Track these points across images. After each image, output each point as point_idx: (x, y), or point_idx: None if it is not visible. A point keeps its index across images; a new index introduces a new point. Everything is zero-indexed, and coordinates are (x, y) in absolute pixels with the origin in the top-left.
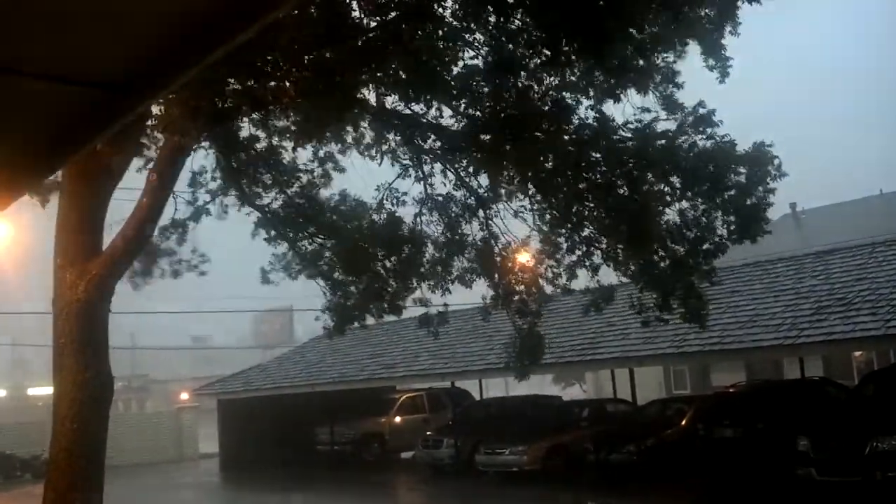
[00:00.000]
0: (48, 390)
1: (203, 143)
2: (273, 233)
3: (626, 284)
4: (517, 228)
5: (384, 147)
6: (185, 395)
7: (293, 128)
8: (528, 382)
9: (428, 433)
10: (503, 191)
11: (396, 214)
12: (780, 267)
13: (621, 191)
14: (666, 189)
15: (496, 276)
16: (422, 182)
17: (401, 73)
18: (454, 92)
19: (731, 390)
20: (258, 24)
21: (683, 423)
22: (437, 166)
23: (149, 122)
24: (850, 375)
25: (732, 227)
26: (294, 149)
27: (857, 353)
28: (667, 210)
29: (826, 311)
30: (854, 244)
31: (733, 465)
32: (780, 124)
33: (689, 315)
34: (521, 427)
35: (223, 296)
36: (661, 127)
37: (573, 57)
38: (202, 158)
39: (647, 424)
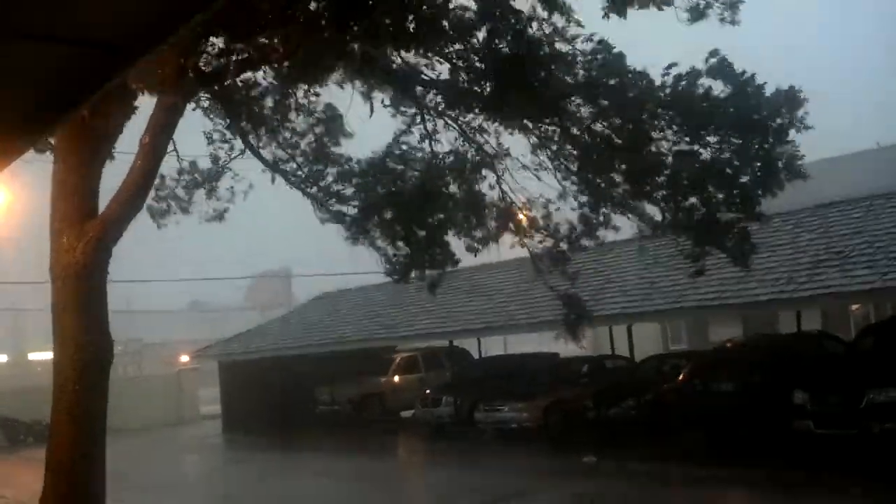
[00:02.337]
0: (48, 355)
1: (203, 103)
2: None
3: (624, 241)
4: (529, 183)
5: (384, 102)
6: (185, 358)
7: (283, 82)
8: (527, 341)
9: (427, 392)
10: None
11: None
12: (777, 221)
13: (633, 141)
14: (685, 136)
15: (518, 232)
16: (427, 139)
17: (388, 21)
18: (448, 36)
19: (728, 345)
20: None
21: (681, 378)
22: (441, 123)
23: (143, 82)
24: (847, 329)
25: (760, 174)
26: (289, 101)
27: (855, 307)
28: (687, 156)
29: (823, 265)
30: (851, 198)
31: (731, 418)
32: (775, 75)
33: (735, 257)
34: (520, 384)
35: (221, 258)
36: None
37: None
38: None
39: (645, 380)
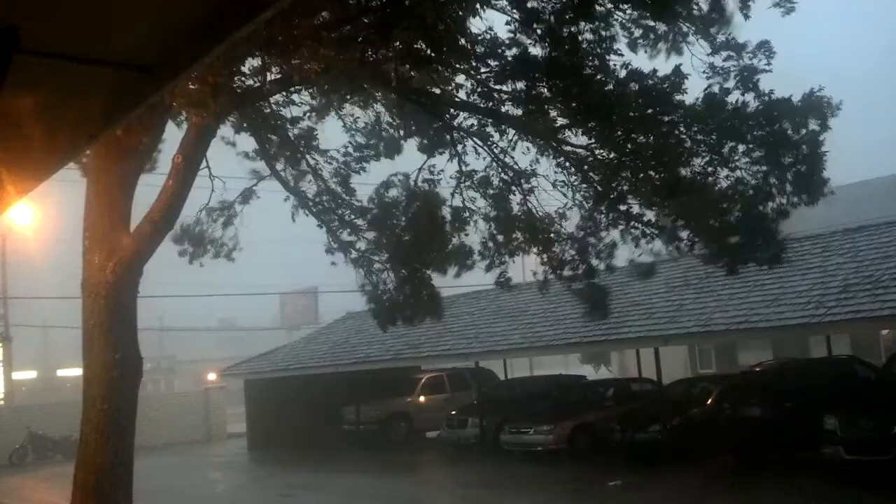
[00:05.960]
0: (77, 372)
1: (233, 124)
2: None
3: (651, 263)
4: (556, 202)
5: (413, 128)
6: (212, 376)
7: (317, 103)
8: (554, 363)
9: (453, 412)
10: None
11: (434, 193)
12: (806, 245)
13: (665, 158)
14: (716, 154)
15: (543, 248)
16: (456, 160)
17: (414, 41)
18: (475, 55)
19: (757, 369)
20: (279, 3)
21: (709, 402)
22: (470, 144)
23: (176, 103)
24: (877, 354)
25: (792, 190)
26: (316, 121)
27: (885, 332)
28: (718, 174)
29: (853, 289)
30: (882, 222)
31: (760, 444)
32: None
33: (767, 259)
34: (546, 406)
35: (249, 277)
36: (704, 86)
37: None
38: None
39: (672, 404)
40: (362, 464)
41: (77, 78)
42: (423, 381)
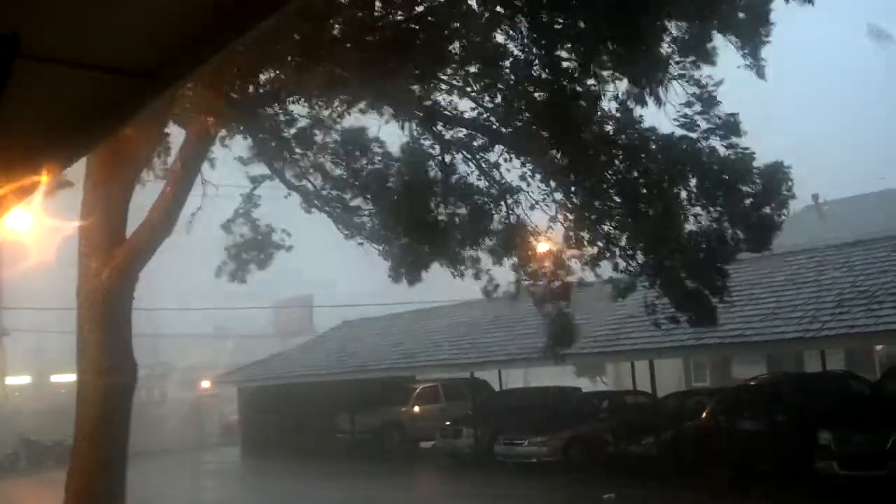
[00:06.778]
0: (71, 377)
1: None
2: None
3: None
4: (539, 218)
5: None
6: (206, 384)
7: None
8: (548, 374)
9: (448, 423)
10: (529, 175)
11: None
12: (801, 259)
13: (642, 191)
14: (683, 193)
15: (520, 260)
16: (443, 172)
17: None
18: (477, 74)
19: (752, 383)
20: (282, 9)
21: (704, 415)
22: (459, 156)
23: (176, 110)
24: (872, 369)
25: (743, 237)
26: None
27: (880, 347)
28: (683, 214)
29: (849, 304)
30: (877, 236)
31: (754, 458)
32: (802, 114)
33: (698, 320)
34: (541, 418)
35: (244, 284)
36: (682, 131)
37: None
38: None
39: (666, 417)
40: (356, 473)
41: (78, 83)
42: (417, 390)
